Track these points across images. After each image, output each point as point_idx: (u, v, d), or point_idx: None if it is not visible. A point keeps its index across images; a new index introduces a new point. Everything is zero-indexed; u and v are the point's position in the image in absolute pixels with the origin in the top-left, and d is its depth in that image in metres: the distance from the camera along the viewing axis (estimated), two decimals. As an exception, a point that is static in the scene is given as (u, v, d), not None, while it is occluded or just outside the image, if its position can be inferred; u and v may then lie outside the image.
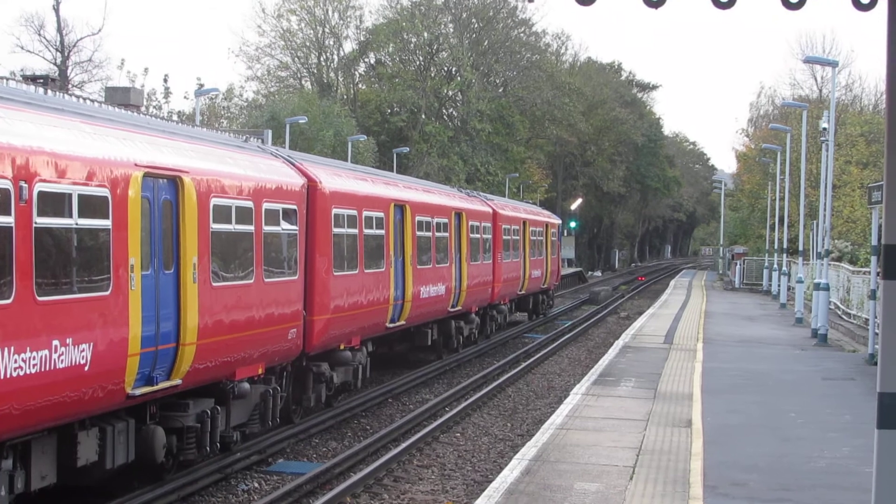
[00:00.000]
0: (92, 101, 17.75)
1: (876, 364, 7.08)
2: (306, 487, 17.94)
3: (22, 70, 57.35)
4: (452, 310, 34.46)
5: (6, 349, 12.36)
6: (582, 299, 69.75)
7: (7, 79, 15.22)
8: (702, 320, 46.87)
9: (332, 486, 18.28)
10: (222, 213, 17.82)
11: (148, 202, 15.71)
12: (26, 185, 12.80)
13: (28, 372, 12.74)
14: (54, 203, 13.42)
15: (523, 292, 47.30)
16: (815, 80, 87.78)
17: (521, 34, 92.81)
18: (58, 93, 17.14)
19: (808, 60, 63.30)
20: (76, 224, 13.83)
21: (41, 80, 17.62)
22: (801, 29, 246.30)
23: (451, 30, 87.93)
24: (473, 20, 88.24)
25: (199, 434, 17.49)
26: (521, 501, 14.70)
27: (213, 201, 17.47)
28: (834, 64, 45.50)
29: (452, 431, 23.93)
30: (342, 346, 24.28)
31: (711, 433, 19.59)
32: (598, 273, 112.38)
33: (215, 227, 17.48)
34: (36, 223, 12.97)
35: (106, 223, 14.45)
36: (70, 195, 13.71)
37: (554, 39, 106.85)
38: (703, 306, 57.39)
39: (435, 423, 23.82)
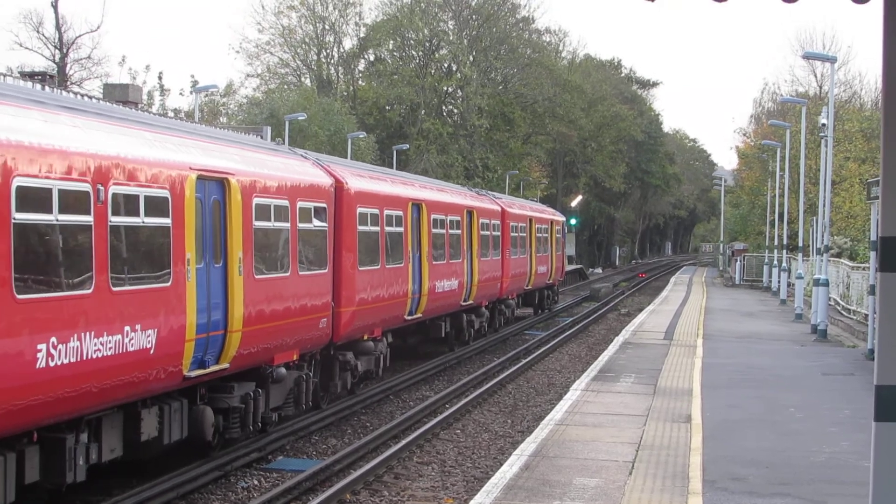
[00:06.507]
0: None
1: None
2: (306, 485, 17.99)
3: (20, 67, 58.16)
4: (464, 304, 35.93)
5: (87, 334, 13.91)
6: (583, 296, 69.83)
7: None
8: (702, 316, 46.92)
9: (332, 483, 18.35)
10: (263, 212, 19.39)
11: (200, 202, 17.26)
12: (102, 188, 14.34)
13: (105, 354, 14.30)
14: (126, 203, 14.98)
15: (529, 287, 48.67)
16: (815, 76, 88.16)
17: (522, 32, 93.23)
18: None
19: (808, 56, 63.31)
20: (143, 222, 15.40)
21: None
22: (801, 25, 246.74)
23: (451, 26, 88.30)
24: (473, 17, 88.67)
25: (242, 414, 19.05)
26: (520, 497, 14.65)
27: (255, 200, 19.03)
28: (833, 60, 45.18)
29: (453, 428, 23.91)
30: (365, 337, 25.79)
31: (711, 428, 19.64)
32: (599, 270, 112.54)
33: (257, 224, 19.06)
34: (111, 221, 14.54)
35: (167, 221, 16.01)
36: (138, 196, 15.27)
37: (552, 36, 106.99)
38: (703, 303, 57.56)
39: (435, 420, 23.78)
